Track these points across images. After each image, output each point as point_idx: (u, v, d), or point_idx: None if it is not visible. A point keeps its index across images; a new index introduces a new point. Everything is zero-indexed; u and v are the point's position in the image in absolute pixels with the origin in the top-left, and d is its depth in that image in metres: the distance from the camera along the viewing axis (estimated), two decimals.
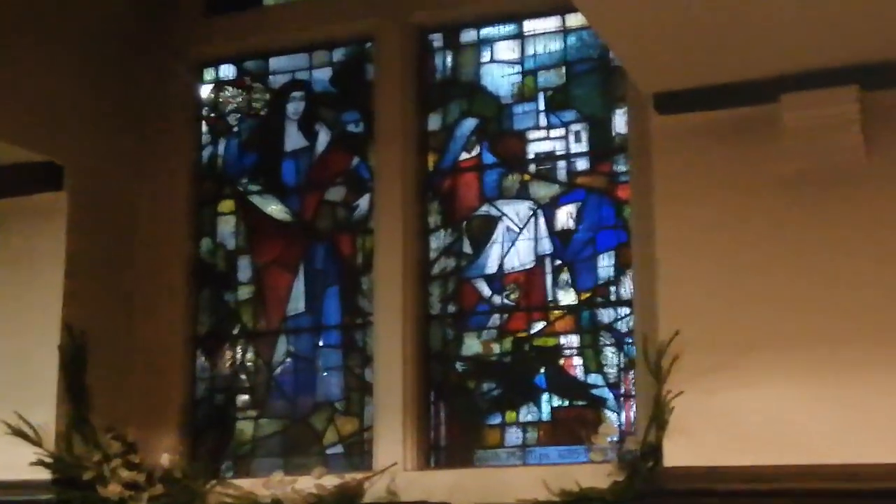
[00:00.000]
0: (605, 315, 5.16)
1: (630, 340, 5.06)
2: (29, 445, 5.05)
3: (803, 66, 4.28)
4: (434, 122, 5.56)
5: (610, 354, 5.13)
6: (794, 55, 4.24)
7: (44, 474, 5.06)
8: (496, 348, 5.29)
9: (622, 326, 5.12)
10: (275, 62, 5.87)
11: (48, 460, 5.05)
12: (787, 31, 4.10)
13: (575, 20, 5.37)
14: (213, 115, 5.94)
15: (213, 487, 5.14)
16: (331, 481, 4.96)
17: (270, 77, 5.87)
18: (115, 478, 4.99)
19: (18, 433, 5.04)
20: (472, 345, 5.33)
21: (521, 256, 5.34)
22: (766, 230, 4.46)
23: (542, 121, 5.40)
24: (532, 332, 5.25)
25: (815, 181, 4.42)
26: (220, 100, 5.94)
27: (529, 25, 5.49)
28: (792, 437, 4.30)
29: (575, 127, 5.36)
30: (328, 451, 5.43)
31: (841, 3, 3.95)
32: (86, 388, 5.19)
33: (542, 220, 5.33)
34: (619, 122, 5.26)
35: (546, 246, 5.31)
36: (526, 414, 5.19)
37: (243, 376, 5.67)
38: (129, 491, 4.98)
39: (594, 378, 5.14)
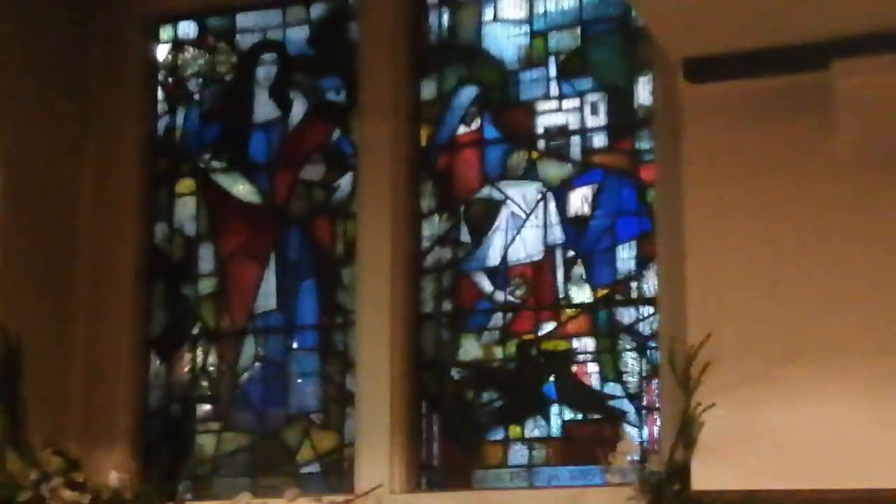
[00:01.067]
0: (625, 315, 5.19)
1: (654, 345, 5.09)
2: None
3: (859, 27, 4.30)
4: (428, 90, 5.57)
5: (630, 361, 5.15)
6: (847, 15, 4.26)
7: None
8: (499, 353, 5.31)
9: (645, 328, 5.14)
10: (242, 19, 5.87)
11: None
12: None
13: None
14: (169, 79, 5.94)
15: None
16: None
17: (237, 36, 5.88)
18: (56, 499, 5.00)
19: None
20: (470, 349, 5.36)
21: (527, 247, 5.36)
22: (814, 218, 4.49)
23: (554, 90, 5.42)
24: (540, 334, 5.28)
25: (871, 161, 4.44)
26: (179, 62, 5.94)
27: None
28: (841, 456, 4.33)
29: (591, 97, 5.37)
30: (303, 471, 5.45)
31: None
32: (21, 397, 5.19)
33: (552, 205, 5.35)
34: (643, 91, 5.28)
35: (557, 235, 5.33)
36: (533, 429, 5.21)
37: (204, 383, 5.68)
38: None
39: (612, 388, 5.16)
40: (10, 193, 5.36)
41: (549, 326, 5.27)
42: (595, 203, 5.30)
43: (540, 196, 5.37)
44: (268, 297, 5.63)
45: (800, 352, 4.40)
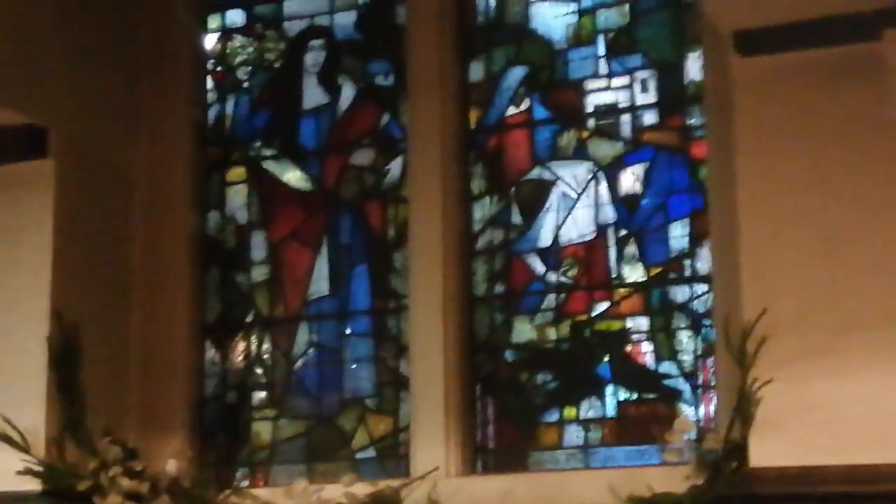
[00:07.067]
0: (679, 293, 5.16)
1: (708, 322, 5.06)
2: (16, 452, 5.12)
3: None
4: (476, 71, 5.57)
5: (685, 339, 5.13)
6: None
7: (33, 484, 5.14)
8: (552, 334, 5.31)
9: (699, 306, 5.12)
10: (290, 6, 5.91)
11: (38, 468, 5.14)
12: None
13: None
14: (219, 68, 5.99)
15: (226, 498, 5.21)
16: (362, 490, 5.01)
17: (285, 23, 5.91)
18: (115, 487, 5.06)
19: (4, 438, 5.12)
20: (523, 330, 5.36)
21: (579, 227, 5.35)
22: (868, 188, 4.45)
23: (603, 68, 5.41)
24: (594, 314, 5.27)
25: None
26: (228, 50, 5.99)
27: None
28: None
29: (641, 74, 5.35)
30: (358, 456, 5.49)
31: None
32: (79, 385, 5.27)
33: (603, 184, 5.34)
34: (693, 67, 5.25)
35: (609, 214, 5.32)
36: (588, 409, 5.21)
37: (259, 370, 5.73)
38: (130, 502, 5.05)
39: (667, 367, 5.15)
40: (66, 181, 5.40)
41: (602, 306, 5.26)
42: (646, 181, 5.28)
43: (591, 175, 5.36)
44: (320, 282, 5.67)
45: (857, 324, 4.37)
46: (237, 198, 5.85)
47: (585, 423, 5.19)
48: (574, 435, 5.20)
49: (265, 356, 5.72)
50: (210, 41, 6.00)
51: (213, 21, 6.01)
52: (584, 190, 5.35)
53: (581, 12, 5.47)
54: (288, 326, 5.69)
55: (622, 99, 5.36)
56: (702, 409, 5.04)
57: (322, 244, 5.70)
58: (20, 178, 5.41)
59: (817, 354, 4.39)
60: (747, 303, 4.52)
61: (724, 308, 4.74)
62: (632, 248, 5.25)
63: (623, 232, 5.27)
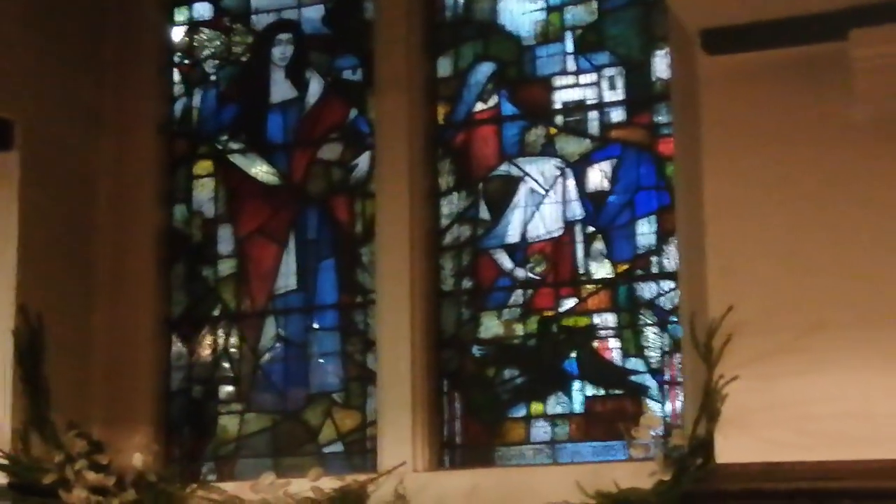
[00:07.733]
0: (646, 290, 5.18)
1: (675, 319, 5.08)
2: None
3: None
4: (444, 67, 5.56)
5: (652, 335, 5.15)
6: None
7: None
8: (519, 329, 5.32)
9: (665, 303, 5.14)
10: None
11: (2, 462, 5.11)
12: None
13: None
14: (186, 61, 5.95)
15: (192, 492, 5.18)
16: (329, 484, 4.99)
17: (253, 17, 5.88)
18: (80, 481, 5.03)
19: None
20: (491, 326, 5.36)
21: (546, 223, 5.36)
22: (834, 187, 4.47)
23: (571, 65, 5.41)
24: (561, 310, 5.28)
25: (890, 129, 4.42)
26: (195, 44, 5.95)
27: None
28: (864, 429, 4.32)
29: (608, 72, 5.36)
30: (325, 450, 5.48)
31: None
32: (44, 378, 5.23)
33: (570, 181, 5.35)
34: (661, 65, 5.26)
35: (576, 210, 5.32)
36: (555, 405, 5.22)
37: (225, 364, 5.71)
38: (96, 496, 5.03)
39: (634, 363, 5.16)
40: (31, 174, 5.37)
41: (569, 302, 5.27)
42: (614, 178, 5.29)
43: (558, 172, 5.36)
44: (287, 277, 5.65)
45: (822, 322, 4.39)
46: (204, 191, 5.83)
47: (552, 419, 5.20)
48: (541, 430, 5.21)
49: (232, 350, 5.70)
50: (177, 34, 5.97)
51: (181, 14, 5.97)
52: (551, 186, 5.36)
53: (549, 9, 5.47)
54: (254, 321, 5.67)
55: (590, 96, 5.36)
56: (668, 406, 5.06)
57: (289, 238, 5.68)
58: None
59: (783, 352, 4.41)
60: (714, 300, 4.53)
61: (691, 305, 4.76)
62: (599, 245, 5.27)
63: (590, 228, 5.28)
